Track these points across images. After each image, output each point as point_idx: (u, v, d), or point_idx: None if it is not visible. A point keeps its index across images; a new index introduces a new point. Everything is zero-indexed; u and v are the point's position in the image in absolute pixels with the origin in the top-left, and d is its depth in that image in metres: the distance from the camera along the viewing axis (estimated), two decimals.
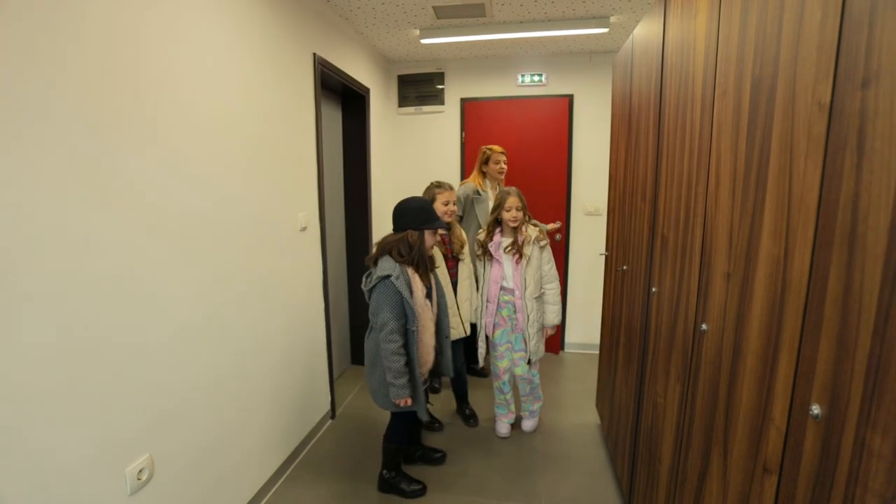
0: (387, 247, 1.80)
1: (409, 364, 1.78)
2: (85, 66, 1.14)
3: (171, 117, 1.43)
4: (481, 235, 2.42)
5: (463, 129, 3.62)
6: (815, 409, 0.72)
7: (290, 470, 2.20)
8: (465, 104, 3.59)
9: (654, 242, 1.60)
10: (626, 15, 2.70)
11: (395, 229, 1.85)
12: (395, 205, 1.87)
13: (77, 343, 1.14)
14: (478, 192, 2.91)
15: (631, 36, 1.98)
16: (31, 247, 1.03)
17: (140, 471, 1.33)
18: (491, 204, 2.80)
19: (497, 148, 2.94)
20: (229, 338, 1.75)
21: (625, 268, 2.03)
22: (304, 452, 2.34)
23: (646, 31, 1.76)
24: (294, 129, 2.22)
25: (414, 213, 1.81)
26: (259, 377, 1.96)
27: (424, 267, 1.83)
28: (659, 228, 1.56)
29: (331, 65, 2.55)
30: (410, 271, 1.79)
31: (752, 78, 0.94)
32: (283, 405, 2.15)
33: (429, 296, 1.87)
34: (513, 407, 2.51)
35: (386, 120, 3.57)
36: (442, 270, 2.32)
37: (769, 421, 0.85)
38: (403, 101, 3.65)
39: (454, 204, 2.36)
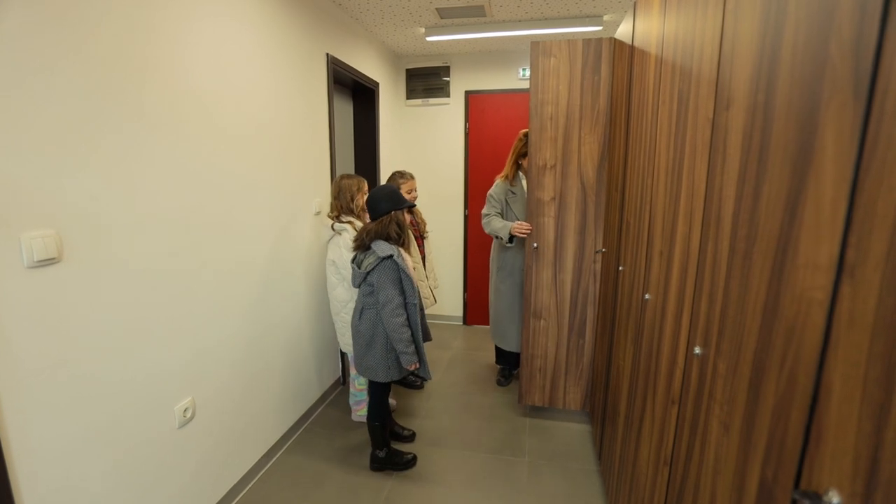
0: (379, 231, 1.94)
1: (412, 333, 1.97)
2: (122, 67, 1.41)
3: (202, 114, 1.70)
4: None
5: (467, 120, 3.83)
6: (698, 350, 0.96)
7: (306, 424, 2.51)
8: (469, 96, 3.80)
9: (623, 227, 1.83)
10: (619, 14, 2.87)
11: (376, 215, 1.98)
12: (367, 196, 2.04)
13: (139, 310, 1.43)
14: (511, 191, 2.66)
15: (612, 38, 2.17)
16: (98, 226, 1.31)
17: (185, 410, 1.63)
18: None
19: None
20: (254, 308, 2.04)
21: (604, 250, 2.26)
22: (318, 410, 2.65)
23: (621, 36, 1.96)
24: (309, 122, 2.48)
25: (390, 198, 1.97)
26: (279, 344, 2.26)
27: (407, 244, 2.03)
28: (626, 215, 1.78)
29: (343, 63, 2.78)
30: (400, 250, 1.97)
31: (678, 92, 1.16)
32: (300, 369, 2.45)
33: None
34: None
35: (394, 112, 3.80)
36: (414, 248, 2.58)
37: (675, 364, 1.09)
38: (411, 93, 3.87)
39: (415, 191, 2.64)
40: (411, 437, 2.39)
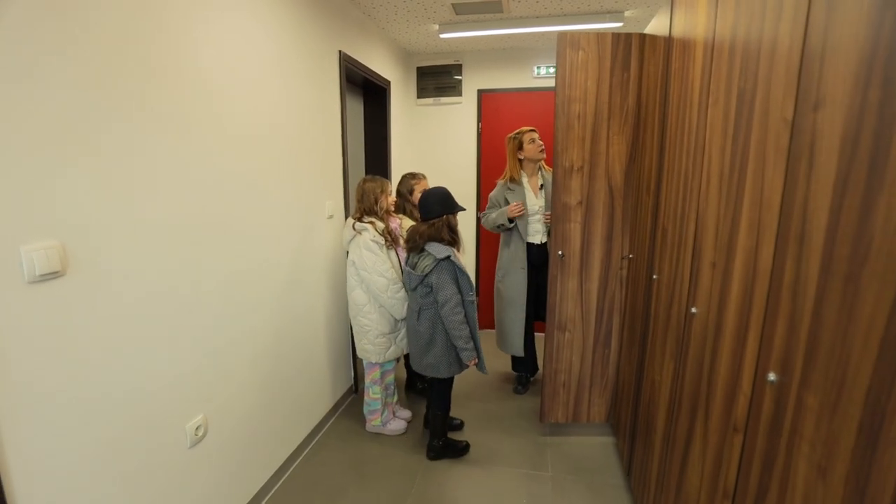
0: (432, 234, 2.00)
1: (470, 330, 2.05)
2: (141, 68, 1.32)
3: (212, 113, 1.60)
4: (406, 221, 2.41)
5: (479, 119, 3.73)
6: (772, 377, 0.86)
7: (318, 436, 2.42)
8: (482, 95, 3.69)
9: (656, 233, 1.73)
10: (641, 9, 2.76)
11: (427, 217, 2.03)
12: (420, 197, 2.10)
13: (149, 325, 1.34)
14: (510, 188, 2.62)
15: (641, 34, 2.07)
16: (103, 234, 1.22)
17: (197, 427, 1.54)
18: (528, 194, 2.60)
19: (524, 128, 2.63)
20: (266, 319, 1.95)
21: (631, 255, 2.16)
22: (331, 421, 2.56)
23: (654, 31, 1.85)
24: (322, 123, 2.38)
25: (442, 201, 2.03)
26: (294, 354, 2.16)
27: (459, 245, 2.09)
28: (660, 220, 1.68)
29: (355, 61, 2.69)
30: (454, 250, 2.03)
31: (738, 90, 1.06)
32: (312, 379, 2.36)
33: None
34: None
35: (405, 111, 3.70)
36: None
37: (738, 388, 1.00)
38: (422, 92, 3.77)
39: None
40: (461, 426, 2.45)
